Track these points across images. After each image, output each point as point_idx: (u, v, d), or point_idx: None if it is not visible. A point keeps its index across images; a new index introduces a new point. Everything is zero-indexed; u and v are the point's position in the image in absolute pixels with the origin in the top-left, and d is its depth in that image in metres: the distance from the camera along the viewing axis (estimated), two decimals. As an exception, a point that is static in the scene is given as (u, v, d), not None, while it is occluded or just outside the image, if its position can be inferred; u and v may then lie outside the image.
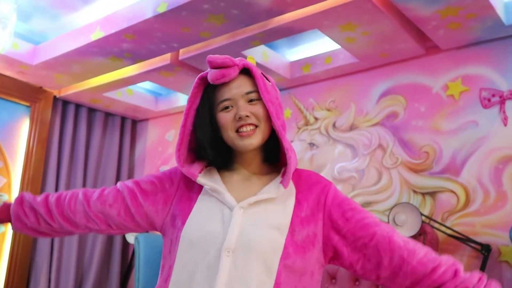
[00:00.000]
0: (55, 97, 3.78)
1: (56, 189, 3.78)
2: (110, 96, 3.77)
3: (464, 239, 2.44)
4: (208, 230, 1.14)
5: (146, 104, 4.03)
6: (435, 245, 2.47)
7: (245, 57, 2.94)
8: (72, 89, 3.68)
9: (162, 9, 2.42)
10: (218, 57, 1.19)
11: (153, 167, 4.20)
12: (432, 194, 2.69)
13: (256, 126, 1.19)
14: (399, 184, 2.82)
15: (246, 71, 1.23)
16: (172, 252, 1.18)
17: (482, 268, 2.37)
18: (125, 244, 4.12)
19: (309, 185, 1.24)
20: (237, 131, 1.19)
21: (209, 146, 1.24)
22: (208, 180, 1.23)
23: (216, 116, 1.22)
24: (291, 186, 1.24)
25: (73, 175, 3.89)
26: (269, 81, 1.25)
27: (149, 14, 2.48)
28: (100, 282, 3.94)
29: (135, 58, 2.99)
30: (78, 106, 3.98)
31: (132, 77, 3.32)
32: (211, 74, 1.20)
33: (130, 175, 4.33)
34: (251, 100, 1.20)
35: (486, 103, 2.63)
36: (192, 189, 1.25)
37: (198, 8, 2.35)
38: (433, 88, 2.82)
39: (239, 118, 1.17)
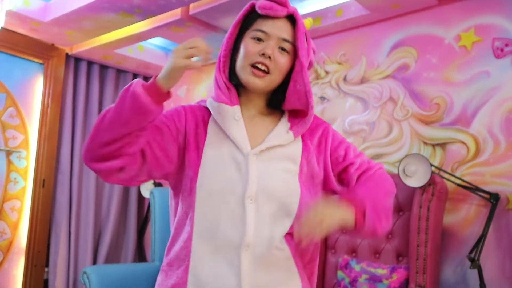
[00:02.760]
0: (67, 54, 3.81)
1: (72, 145, 3.86)
2: (122, 52, 3.78)
3: (473, 189, 2.49)
4: (225, 179, 1.16)
5: (157, 61, 4.04)
6: (445, 195, 2.52)
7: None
8: (84, 46, 3.70)
9: (171, -38, 2.40)
10: None
11: (166, 123, 4.24)
12: (443, 145, 2.72)
13: (268, 73, 1.19)
14: (409, 136, 2.85)
15: (293, 21, 1.24)
16: (187, 202, 1.19)
17: (490, 216, 2.42)
18: (141, 197, 4.24)
19: (311, 129, 1.29)
20: (252, 65, 1.19)
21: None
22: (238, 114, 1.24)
23: (244, 39, 1.22)
24: None
25: (87, 131, 3.96)
26: (307, 45, 1.25)
27: (159, -32, 2.46)
28: (118, 234, 4.08)
29: (145, 13, 2.99)
30: (90, 63, 4.00)
31: (143, 33, 3.32)
32: (261, 2, 1.21)
33: (144, 131, 4.38)
34: (282, 49, 1.20)
35: (498, 53, 2.61)
36: (197, 134, 1.24)
37: (208, -40, 2.34)
38: (445, 39, 2.80)
39: (262, 54, 1.18)
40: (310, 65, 1.29)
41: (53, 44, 3.67)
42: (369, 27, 3.10)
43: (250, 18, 1.24)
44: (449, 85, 2.74)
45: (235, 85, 1.25)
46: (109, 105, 3.95)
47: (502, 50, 2.59)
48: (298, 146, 1.25)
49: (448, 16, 2.80)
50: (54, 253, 3.74)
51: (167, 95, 1.11)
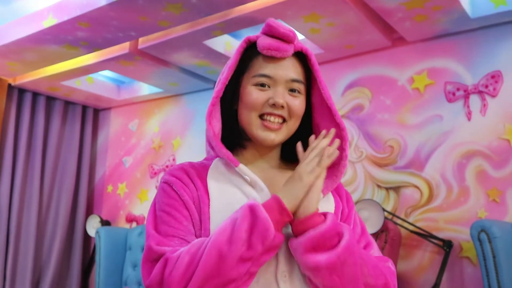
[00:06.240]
0: (9, 85, 3.60)
1: (12, 180, 3.61)
2: (69, 84, 3.61)
3: (427, 235, 2.43)
4: None
5: (108, 93, 3.88)
6: (398, 242, 2.44)
7: (208, 47, 2.84)
8: (29, 77, 3.51)
9: (116, -4, 2.29)
10: (281, 26, 0.99)
11: (115, 158, 4.07)
12: (396, 189, 2.67)
13: (284, 121, 1.01)
14: (363, 179, 2.78)
15: (299, 57, 1.03)
16: None
17: (444, 264, 2.36)
18: (87, 237, 4.00)
19: (339, 193, 1.10)
20: (261, 116, 1.00)
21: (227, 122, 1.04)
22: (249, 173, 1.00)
23: (244, 88, 1.02)
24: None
25: (30, 166, 3.73)
26: None
27: (103, 2, 2.34)
28: (60, 277, 3.81)
29: (91, 46, 2.85)
30: (35, 94, 3.80)
31: (91, 65, 3.17)
32: (265, 41, 0.99)
33: (92, 166, 4.19)
34: (292, 90, 1.01)
35: (450, 97, 2.59)
36: (198, 189, 0.99)
37: (154, -4, 2.24)
38: (398, 80, 2.78)
39: (273, 104, 0.98)
40: None
41: (-6, 75, 3.46)
42: (323, 66, 3.05)
43: (247, 57, 1.03)
44: (402, 127, 2.70)
45: (236, 138, 1.06)
46: (55, 138, 3.82)
47: (454, 94, 2.58)
48: (330, 202, 1.05)
49: (402, 58, 2.78)
50: (-12, 299, 3.46)
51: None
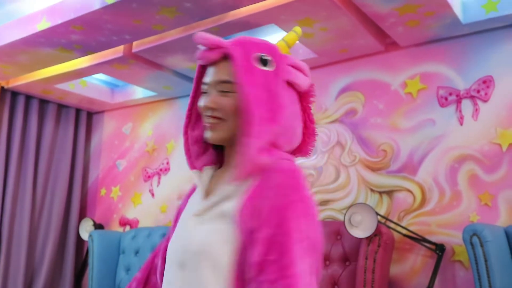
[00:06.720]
0: (2, 88, 3.58)
1: (5, 181, 3.60)
2: (63, 87, 3.60)
3: (419, 239, 2.44)
4: (170, 246, 1.09)
5: (101, 96, 3.88)
6: (391, 245, 2.45)
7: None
8: (22, 80, 3.50)
9: (110, 0, 2.29)
10: (200, 36, 1.04)
11: (109, 161, 4.06)
12: (389, 193, 2.68)
13: (223, 120, 1.04)
14: (356, 183, 2.80)
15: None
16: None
17: (436, 268, 2.37)
18: (80, 240, 3.98)
19: (268, 170, 0.99)
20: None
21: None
22: (199, 177, 1.13)
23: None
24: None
25: (23, 169, 3.71)
26: (266, 65, 1.04)
27: (97, 5, 2.35)
28: (52, 281, 3.79)
29: (85, 49, 2.85)
30: (28, 97, 3.79)
31: (84, 69, 3.17)
32: (197, 52, 1.07)
33: (85, 170, 4.17)
34: (222, 91, 1.05)
35: (443, 102, 2.61)
36: (185, 200, 1.19)
37: (148, 0, 2.24)
38: (391, 85, 2.79)
39: (204, 108, 1.06)
40: (299, 86, 1.13)
41: (-14, 78, 3.45)
42: (316, 70, 3.06)
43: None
44: (395, 131, 2.72)
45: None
46: (48, 141, 3.81)
47: (446, 99, 2.60)
48: (237, 200, 0.99)
49: (395, 62, 2.80)
50: (-21, 302, 3.44)
51: None
